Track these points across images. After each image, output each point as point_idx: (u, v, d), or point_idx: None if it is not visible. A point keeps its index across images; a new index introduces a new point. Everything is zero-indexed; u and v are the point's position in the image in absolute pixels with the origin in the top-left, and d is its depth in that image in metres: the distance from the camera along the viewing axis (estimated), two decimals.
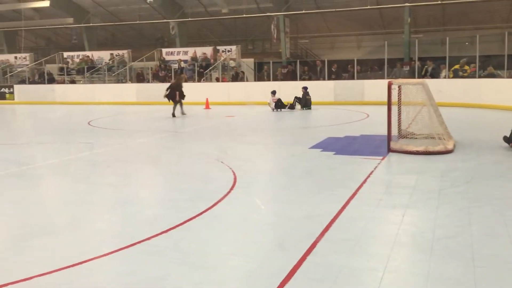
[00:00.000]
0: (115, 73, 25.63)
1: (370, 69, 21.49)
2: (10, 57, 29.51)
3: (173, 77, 23.66)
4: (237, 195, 5.74)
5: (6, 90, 25.68)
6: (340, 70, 21.35)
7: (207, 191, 6.02)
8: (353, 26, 26.66)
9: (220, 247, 4.08)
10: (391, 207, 5.14)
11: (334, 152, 8.44)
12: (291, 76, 22.08)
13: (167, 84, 21.93)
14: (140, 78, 24.99)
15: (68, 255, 3.89)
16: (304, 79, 21.48)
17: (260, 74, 23.51)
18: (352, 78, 20.67)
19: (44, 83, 25.71)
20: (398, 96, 8.70)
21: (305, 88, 18.05)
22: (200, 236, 4.34)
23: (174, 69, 24.21)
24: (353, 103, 19.40)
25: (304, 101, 17.97)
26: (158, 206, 5.51)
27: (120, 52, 26.92)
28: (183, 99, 16.65)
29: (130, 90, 23.69)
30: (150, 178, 7.24)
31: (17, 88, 25.63)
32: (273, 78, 21.95)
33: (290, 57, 25.55)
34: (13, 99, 25.39)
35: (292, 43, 27.92)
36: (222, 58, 24.22)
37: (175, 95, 16.42)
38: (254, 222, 4.85)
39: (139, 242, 4.14)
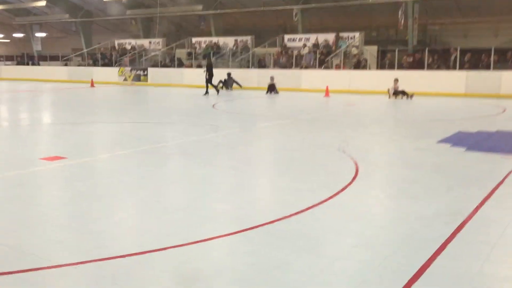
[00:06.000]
0: (238, 59, 26.44)
1: (510, 59, 19.55)
2: (145, 42, 31.94)
3: (294, 64, 23.79)
4: (360, 187, 5.58)
5: (141, 73, 27.86)
6: (474, 60, 19.73)
7: (329, 180, 5.93)
8: (491, 11, 24.40)
9: (343, 237, 3.99)
10: None
11: (465, 148, 7.82)
12: (417, 65, 20.94)
13: (288, 71, 22.17)
14: (261, 64, 25.48)
15: (197, 231, 4.09)
16: (432, 69, 20.25)
17: (383, 62, 22.62)
18: (488, 68, 19.00)
19: (174, 67, 27.42)
20: None
21: (228, 74, 23.12)
22: (323, 225, 4.29)
23: (295, 55, 24.29)
24: (488, 96, 17.86)
25: (229, 84, 23.02)
26: (279, 191, 5.56)
27: (244, 38, 27.66)
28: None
29: (252, 74, 24.20)
30: (270, 163, 7.34)
31: (151, 71, 27.67)
32: (398, 67, 21.00)
33: (417, 44, 24.21)
34: (147, 81, 27.47)
35: (420, 29, 26.39)
36: (344, 46, 23.74)
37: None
38: (379, 215, 4.68)
39: (261, 225, 4.22)
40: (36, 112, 15.01)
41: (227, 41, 28.18)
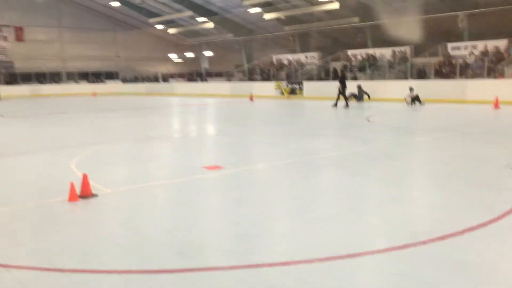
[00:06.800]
0: (395, 70, 25.54)
1: None
2: (301, 56, 32.77)
3: (457, 74, 22.19)
4: None
5: (297, 86, 28.62)
6: None
7: (492, 200, 5.39)
8: None
9: (506, 265, 3.59)
10: None
11: None
12: None
13: (451, 81, 20.81)
14: (421, 74, 24.24)
15: (344, 245, 4.06)
16: None
17: None
18: None
19: (329, 80, 27.59)
20: None
21: (359, 86, 22.72)
22: (482, 250, 3.91)
23: (460, 64, 22.59)
24: None
25: (360, 96, 22.63)
26: (433, 209, 5.22)
27: (402, 48, 26.65)
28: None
29: (407, 85, 23.15)
30: (425, 178, 6.93)
31: (306, 84, 28.24)
32: None
33: None
34: (302, 95, 28.10)
35: None
36: None
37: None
38: None
39: (412, 245, 4.01)
40: (202, 124, 16.41)
41: (384, 52, 27.46)
